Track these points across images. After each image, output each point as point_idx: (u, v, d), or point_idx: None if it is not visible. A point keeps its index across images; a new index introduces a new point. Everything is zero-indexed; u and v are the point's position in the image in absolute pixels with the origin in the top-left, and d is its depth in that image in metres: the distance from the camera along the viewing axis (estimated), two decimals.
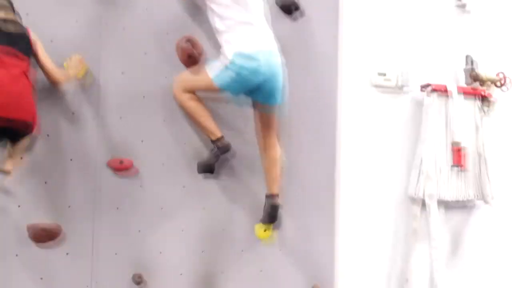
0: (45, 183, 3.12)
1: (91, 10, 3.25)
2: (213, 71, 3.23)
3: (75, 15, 3.23)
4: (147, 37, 3.39)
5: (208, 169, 3.46)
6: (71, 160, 3.20)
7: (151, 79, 3.39)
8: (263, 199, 3.56)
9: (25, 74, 2.86)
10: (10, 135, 2.86)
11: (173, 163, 3.43)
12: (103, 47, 3.29)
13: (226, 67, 3.18)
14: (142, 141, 3.37)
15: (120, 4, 3.32)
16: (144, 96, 3.38)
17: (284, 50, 3.53)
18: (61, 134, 3.19)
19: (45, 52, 3.01)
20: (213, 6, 3.21)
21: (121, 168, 3.29)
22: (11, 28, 2.86)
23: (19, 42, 2.87)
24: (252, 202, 3.58)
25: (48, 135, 3.13)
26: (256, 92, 3.27)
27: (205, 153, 3.44)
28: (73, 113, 3.21)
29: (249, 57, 3.16)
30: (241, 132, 3.55)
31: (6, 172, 2.92)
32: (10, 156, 2.91)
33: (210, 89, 3.28)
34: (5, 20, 2.85)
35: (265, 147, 3.42)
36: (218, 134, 3.34)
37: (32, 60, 2.95)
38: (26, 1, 3.02)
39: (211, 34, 3.47)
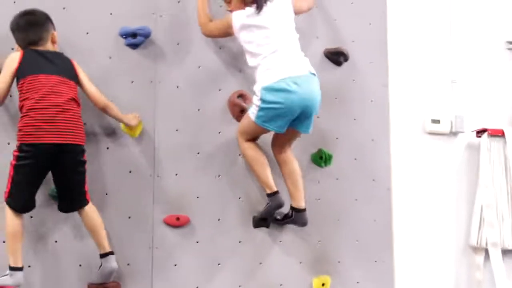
0: None
1: (146, 69, 3.34)
2: (252, 113, 3.16)
3: (130, 76, 3.32)
4: (199, 94, 3.44)
5: (263, 223, 3.44)
6: (129, 218, 3.24)
7: (205, 135, 3.43)
8: (320, 253, 3.55)
9: (75, 99, 2.94)
10: (63, 161, 2.89)
11: (229, 218, 3.43)
12: (157, 105, 3.35)
13: (260, 107, 3.10)
14: (197, 197, 3.39)
15: (174, 63, 3.40)
16: (198, 153, 3.41)
17: (334, 99, 3.56)
18: (119, 192, 3.24)
19: (87, 78, 3.07)
20: (245, 45, 3.14)
21: (177, 224, 3.31)
22: (59, 59, 2.98)
23: (67, 69, 2.97)
24: (309, 256, 3.55)
25: (106, 193, 3.19)
26: (295, 120, 3.16)
27: (260, 208, 3.42)
28: (130, 171, 3.27)
29: (277, 89, 3.02)
30: None
31: None
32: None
33: (260, 132, 3.22)
34: (53, 53, 2.97)
35: (285, 161, 3.31)
36: (273, 188, 3.28)
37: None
38: (82, 63, 3.11)
39: None
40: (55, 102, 2.85)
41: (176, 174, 3.36)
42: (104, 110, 3.11)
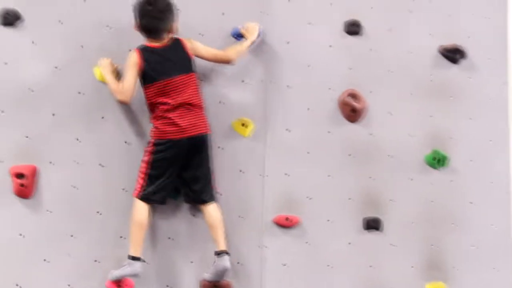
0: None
1: (256, 69, 3.34)
2: None
3: (241, 75, 3.33)
4: (309, 93, 3.41)
5: (374, 225, 3.36)
6: (239, 217, 3.26)
7: (315, 135, 3.39)
8: (434, 258, 3.43)
9: (196, 89, 3.07)
10: (196, 152, 3.06)
11: (339, 219, 3.37)
12: (268, 105, 3.35)
13: None
14: (307, 197, 3.35)
15: (284, 62, 3.38)
16: (308, 152, 3.38)
17: (449, 97, 3.47)
18: (230, 192, 3.26)
19: (202, 45, 3.14)
20: None
21: (287, 225, 3.30)
22: (174, 53, 3.05)
23: (183, 64, 3.06)
24: (422, 260, 3.43)
25: (218, 193, 3.22)
26: None
27: (372, 208, 3.34)
28: (240, 171, 3.28)
29: None
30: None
31: None
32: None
33: None
34: (166, 47, 3.04)
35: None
36: None
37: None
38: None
39: (374, 86, 3.46)
40: (185, 100, 3.01)
41: (286, 174, 3.35)
42: (232, 61, 3.19)
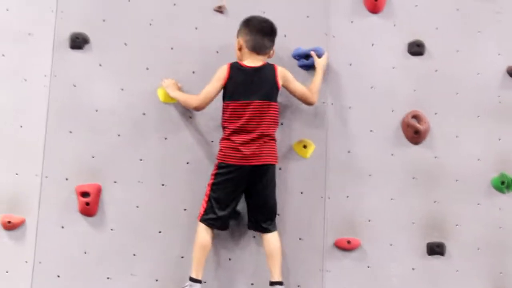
0: None
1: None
2: None
3: None
4: (372, 115, 3.36)
5: (439, 250, 3.27)
6: (300, 239, 3.23)
7: (377, 157, 3.34)
8: (501, 285, 3.31)
9: (274, 121, 3.06)
10: (260, 180, 3.05)
11: (401, 243, 3.29)
12: (329, 126, 3.32)
13: None
14: (369, 220, 3.30)
15: (346, 83, 3.35)
16: (370, 175, 3.33)
17: None
18: (290, 213, 3.24)
19: (293, 78, 3.14)
20: None
21: (348, 248, 3.25)
22: (262, 77, 3.05)
23: (268, 90, 3.06)
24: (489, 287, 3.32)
25: (278, 214, 3.20)
26: None
27: (437, 232, 3.26)
28: (301, 193, 3.26)
29: None
30: None
31: None
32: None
33: None
34: (256, 70, 3.06)
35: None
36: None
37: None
38: None
39: (439, 108, 3.39)
40: (256, 127, 3.01)
41: (348, 196, 3.31)
42: (313, 104, 3.19)
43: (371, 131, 3.36)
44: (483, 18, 3.47)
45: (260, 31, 3.07)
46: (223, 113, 3.07)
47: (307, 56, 3.30)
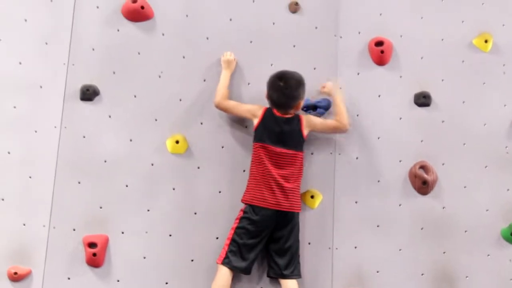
0: None
1: (325, 140, 3.34)
2: None
3: (311, 146, 3.32)
4: (379, 165, 3.37)
5: None
6: None
7: (385, 207, 3.33)
8: None
9: (299, 167, 3.13)
10: (279, 226, 3.09)
11: None
12: (336, 176, 3.33)
13: None
14: (377, 271, 3.27)
15: (353, 134, 3.37)
16: (378, 225, 3.31)
17: None
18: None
19: (317, 119, 3.24)
20: None
21: None
22: (290, 127, 3.14)
23: (296, 140, 3.15)
24: None
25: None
26: None
27: (446, 284, 3.22)
28: (309, 243, 3.25)
29: None
30: None
31: None
32: None
33: None
34: (286, 120, 3.14)
35: None
36: None
37: None
38: None
39: (447, 159, 3.39)
40: (282, 174, 3.08)
41: (355, 247, 3.29)
42: (347, 128, 3.26)
43: (378, 181, 3.36)
44: (488, 69, 3.51)
45: (279, 91, 3.13)
46: (252, 155, 3.14)
47: (314, 107, 3.33)
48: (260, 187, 3.07)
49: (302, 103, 3.20)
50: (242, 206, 3.13)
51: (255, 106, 3.20)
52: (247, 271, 3.08)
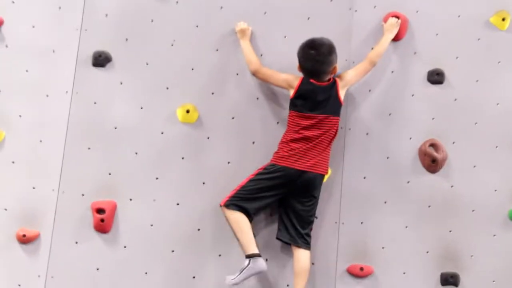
0: None
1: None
2: None
3: None
4: (389, 142, 3.36)
5: (453, 281, 3.24)
6: (312, 263, 3.21)
7: (393, 184, 3.33)
8: None
9: (334, 133, 3.15)
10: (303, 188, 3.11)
11: (415, 272, 3.27)
12: (346, 152, 3.33)
13: None
14: (382, 247, 3.28)
15: (363, 109, 3.36)
16: (385, 202, 3.32)
17: None
18: None
19: (350, 71, 3.26)
20: None
21: (361, 275, 3.23)
22: (326, 93, 3.14)
23: (333, 106, 3.15)
24: None
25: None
26: None
27: (451, 263, 3.24)
28: (316, 217, 3.26)
29: None
30: None
31: None
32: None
33: None
34: (324, 88, 3.14)
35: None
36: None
37: None
38: None
39: (458, 137, 3.37)
40: (313, 136, 3.09)
41: (362, 223, 3.29)
42: (376, 63, 3.28)
43: (388, 158, 3.35)
44: (503, 48, 3.46)
45: (312, 60, 3.11)
46: (289, 120, 3.15)
47: None
48: (288, 152, 3.07)
49: (338, 67, 3.18)
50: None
51: (291, 75, 3.18)
52: (247, 213, 3.07)
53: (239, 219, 3.04)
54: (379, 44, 3.29)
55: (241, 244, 3.05)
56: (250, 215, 3.08)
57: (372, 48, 3.33)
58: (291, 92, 3.15)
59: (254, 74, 3.23)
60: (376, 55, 3.26)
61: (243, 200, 3.06)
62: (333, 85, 3.16)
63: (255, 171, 3.14)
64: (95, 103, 3.25)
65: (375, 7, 3.43)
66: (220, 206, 3.10)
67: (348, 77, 3.23)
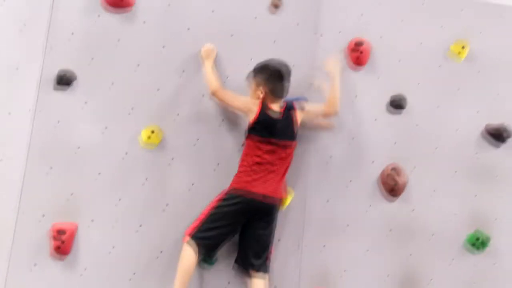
0: None
1: (302, 140, 3.34)
2: None
3: None
4: (352, 166, 3.40)
5: None
6: (274, 287, 3.22)
7: (356, 208, 3.37)
8: None
9: (291, 157, 3.16)
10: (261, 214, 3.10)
11: None
12: (309, 175, 3.35)
13: None
14: (344, 271, 3.31)
15: (328, 134, 3.39)
16: (348, 225, 3.35)
17: (494, 176, 3.49)
18: None
19: (308, 106, 3.24)
20: None
21: None
22: (285, 118, 3.16)
23: (291, 130, 3.16)
24: None
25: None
26: None
27: (411, 286, 3.27)
28: (279, 240, 3.26)
29: None
30: None
31: None
32: None
33: None
34: (282, 112, 3.15)
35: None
36: None
37: None
38: None
39: (418, 162, 3.44)
40: (274, 161, 3.09)
41: (324, 246, 3.32)
42: (337, 113, 3.27)
43: (350, 181, 3.39)
44: (463, 76, 3.56)
45: (280, 78, 3.16)
46: (246, 146, 3.13)
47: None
48: (250, 176, 3.06)
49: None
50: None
51: (250, 99, 3.18)
52: (214, 246, 3.07)
53: (189, 259, 3.02)
54: (330, 94, 3.24)
55: (176, 282, 3.02)
56: (214, 249, 3.10)
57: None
58: (251, 117, 3.14)
59: (213, 94, 3.21)
60: (334, 102, 3.22)
61: (208, 230, 3.04)
62: (291, 110, 3.19)
63: (216, 197, 3.12)
64: (58, 122, 3.20)
65: (340, 32, 3.48)
66: (184, 235, 3.08)
67: (308, 108, 3.24)
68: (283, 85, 3.17)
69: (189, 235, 3.05)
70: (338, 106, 3.23)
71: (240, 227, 3.11)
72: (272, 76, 3.15)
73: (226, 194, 3.10)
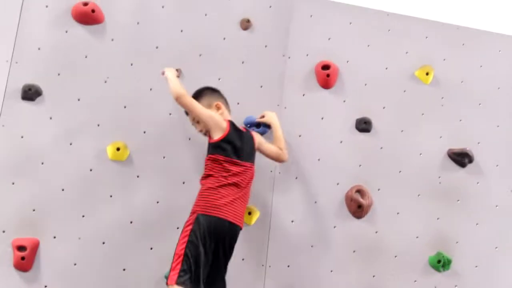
0: None
1: (263, 160, 3.35)
2: None
3: None
4: (317, 187, 3.42)
5: None
6: None
7: (320, 228, 3.38)
8: None
9: (252, 180, 3.05)
10: (230, 242, 2.94)
11: None
12: (275, 195, 3.36)
13: None
14: None
15: (295, 156, 3.41)
16: (312, 245, 3.36)
17: (456, 201, 3.52)
18: (231, 280, 3.15)
19: (263, 140, 3.21)
20: None
21: None
22: (248, 139, 3.09)
23: (252, 153, 3.09)
24: None
25: None
26: None
27: None
28: (242, 259, 3.26)
29: None
30: None
31: None
32: None
33: None
34: (245, 134, 3.09)
35: None
36: None
37: None
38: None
39: (383, 184, 3.48)
40: (241, 183, 2.95)
41: (288, 266, 3.32)
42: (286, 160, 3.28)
43: (315, 202, 3.41)
44: (427, 101, 3.63)
45: (217, 91, 3.17)
46: (213, 164, 2.95)
47: (258, 124, 3.36)
48: (217, 199, 2.87)
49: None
50: (181, 217, 2.96)
51: (219, 118, 3.02)
52: (198, 279, 2.79)
53: None
54: (278, 142, 3.25)
55: None
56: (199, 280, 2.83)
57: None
58: (217, 134, 2.98)
59: (179, 98, 2.94)
60: (283, 149, 3.23)
61: (190, 267, 2.75)
62: (250, 133, 3.15)
63: (185, 228, 2.87)
64: (22, 137, 3.17)
65: (307, 55, 3.53)
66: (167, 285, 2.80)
67: (260, 139, 3.20)
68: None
69: (175, 283, 2.74)
70: (287, 155, 3.25)
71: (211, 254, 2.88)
72: (211, 90, 3.14)
73: (192, 224, 2.85)
